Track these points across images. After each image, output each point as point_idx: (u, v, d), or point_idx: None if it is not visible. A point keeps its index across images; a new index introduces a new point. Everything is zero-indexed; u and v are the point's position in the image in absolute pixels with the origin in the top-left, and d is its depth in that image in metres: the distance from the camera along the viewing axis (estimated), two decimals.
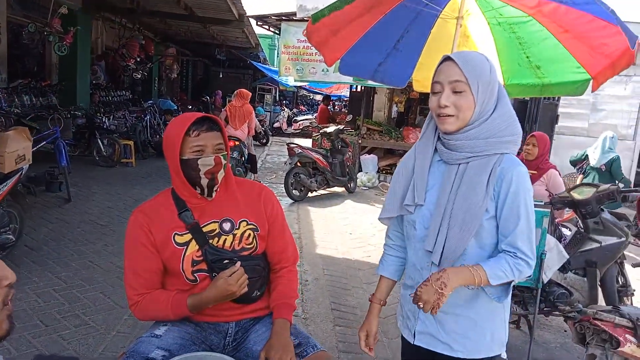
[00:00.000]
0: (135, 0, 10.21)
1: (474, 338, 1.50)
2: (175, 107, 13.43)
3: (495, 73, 1.45)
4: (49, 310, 3.23)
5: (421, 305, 1.36)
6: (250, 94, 8.38)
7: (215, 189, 1.67)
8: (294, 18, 8.89)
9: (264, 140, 14.80)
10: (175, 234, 1.65)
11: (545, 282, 3.08)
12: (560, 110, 8.48)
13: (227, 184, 1.73)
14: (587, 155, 6.18)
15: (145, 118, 10.66)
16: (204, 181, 1.63)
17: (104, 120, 9.29)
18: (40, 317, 3.12)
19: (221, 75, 17.91)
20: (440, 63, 1.47)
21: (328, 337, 3.28)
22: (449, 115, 1.42)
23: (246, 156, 8.07)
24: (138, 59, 13.28)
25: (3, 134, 4.12)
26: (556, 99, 7.63)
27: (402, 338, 1.70)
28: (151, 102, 12.91)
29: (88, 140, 8.73)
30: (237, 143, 7.59)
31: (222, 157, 1.63)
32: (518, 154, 4.66)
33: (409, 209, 1.55)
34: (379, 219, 1.68)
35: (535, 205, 3.00)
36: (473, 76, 1.40)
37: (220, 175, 1.65)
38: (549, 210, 2.99)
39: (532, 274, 1.46)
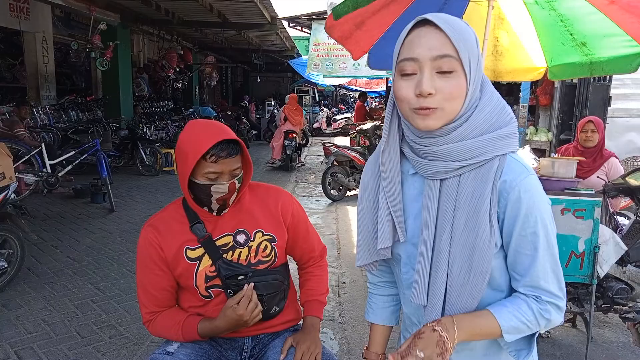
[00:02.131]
0: (170, 11, 10.41)
1: None
2: (215, 114, 13.65)
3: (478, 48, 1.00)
4: (86, 321, 3.27)
5: None
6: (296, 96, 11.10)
7: (225, 211, 1.57)
8: (325, 16, 8.78)
9: (303, 142, 14.76)
10: (187, 248, 1.56)
11: (601, 277, 2.82)
12: (612, 91, 7.91)
13: (241, 195, 1.61)
14: None
15: None
16: (214, 206, 1.52)
17: (145, 130, 9.53)
18: (77, 329, 3.15)
19: (259, 80, 18.04)
20: (412, 29, 0.99)
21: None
22: (431, 108, 0.96)
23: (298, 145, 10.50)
24: (177, 69, 13.62)
25: None
26: (607, 79, 7.11)
27: None
28: (192, 110, 13.18)
29: (131, 151, 8.98)
30: (294, 135, 10.01)
31: (236, 182, 1.50)
32: (569, 142, 4.33)
33: (384, 253, 1.13)
34: (357, 266, 1.24)
35: (585, 195, 2.76)
36: (464, 48, 0.96)
37: (232, 199, 1.54)
38: (600, 199, 2.72)
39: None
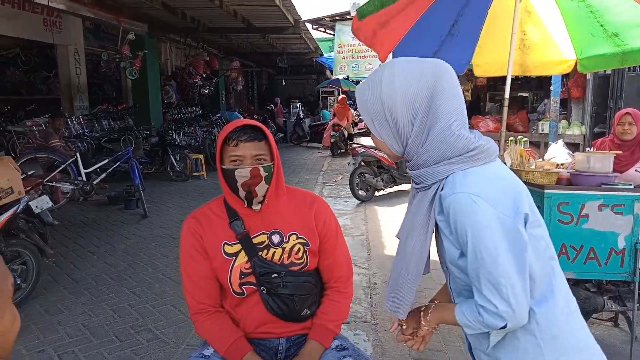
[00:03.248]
0: (195, 19, 10.59)
1: None
2: (242, 118, 13.79)
3: (397, 95, 1.16)
4: (123, 325, 3.35)
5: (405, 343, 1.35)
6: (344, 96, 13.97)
7: (256, 201, 1.59)
8: (348, 17, 8.79)
9: (354, 132, 14.72)
10: (225, 243, 1.61)
11: None
12: None
13: (278, 194, 1.64)
14: None
15: (214, 131, 11.03)
16: (242, 193, 1.56)
17: (175, 136, 9.71)
18: (115, 333, 3.24)
19: (284, 83, 18.15)
20: None
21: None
22: None
23: (346, 135, 12.90)
24: (204, 75, 13.83)
25: None
26: None
27: None
28: (219, 115, 13.36)
29: (162, 158, 9.17)
30: (339, 127, 12.66)
31: (261, 169, 1.53)
32: (604, 135, 4.20)
33: None
34: (397, 236, 1.45)
35: (623, 189, 2.67)
36: (364, 111, 1.24)
37: (261, 189, 1.56)
38: None
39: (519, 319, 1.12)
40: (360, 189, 7.37)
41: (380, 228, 5.91)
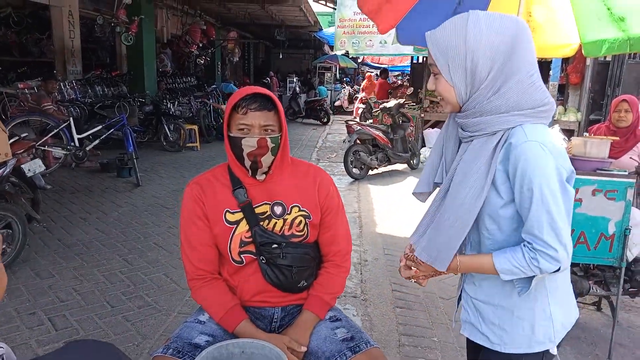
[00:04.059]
0: None
1: (510, 330, 1.34)
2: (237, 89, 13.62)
3: (482, 41, 1.19)
4: (115, 291, 3.36)
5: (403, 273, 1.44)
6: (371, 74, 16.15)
7: (260, 172, 1.59)
8: None
9: (325, 120, 14.71)
10: (227, 211, 1.61)
11: (630, 260, 2.78)
12: None
13: (282, 166, 1.64)
14: None
15: (209, 102, 10.91)
16: (247, 162, 1.56)
17: (169, 106, 9.60)
18: (107, 298, 3.25)
19: (281, 56, 17.93)
20: None
21: (388, 319, 3.16)
22: (440, 98, 1.33)
23: (372, 107, 12.41)
24: (201, 45, 13.60)
25: None
26: None
27: None
28: (214, 86, 13.20)
29: (155, 127, 9.07)
30: (366, 100, 14.08)
31: (268, 140, 1.52)
32: (600, 122, 4.21)
33: (439, 186, 1.44)
34: (413, 193, 1.55)
35: (618, 175, 2.69)
36: (439, 55, 1.25)
37: (266, 159, 1.56)
38: (634, 180, 2.65)
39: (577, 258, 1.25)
40: (354, 167, 7.37)
41: (372, 206, 5.94)
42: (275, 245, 1.60)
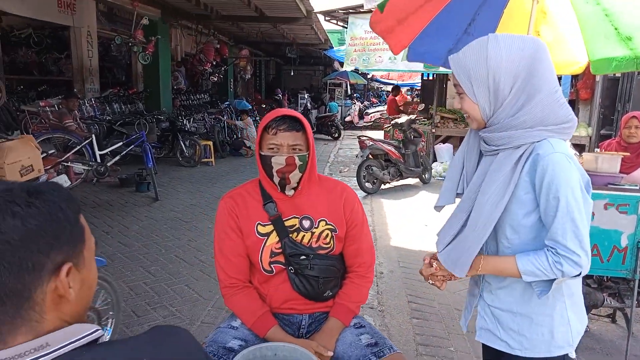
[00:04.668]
0: (209, 7, 10.64)
1: (530, 336, 1.41)
2: (250, 107, 13.87)
3: (502, 60, 1.28)
4: (140, 301, 3.48)
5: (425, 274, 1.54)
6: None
7: (289, 188, 1.71)
8: (361, 10, 8.84)
9: (336, 135, 14.86)
10: (258, 223, 1.72)
11: None
12: None
13: (310, 182, 1.75)
14: None
15: (223, 119, 11.13)
16: (276, 179, 1.68)
17: (185, 123, 9.82)
18: (132, 308, 3.37)
19: (292, 73, 18.19)
20: None
21: (405, 330, 3.24)
22: (467, 116, 1.42)
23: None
24: (214, 63, 13.89)
25: (3, 143, 3.85)
26: None
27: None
28: (227, 103, 13.44)
29: (171, 143, 9.28)
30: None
31: (296, 158, 1.64)
32: (610, 138, 4.28)
33: (460, 197, 1.53)
34: (435, 207, 1.64)
35: (629, 190, 2.77)
36: (463, 76, 1.35)
37: (294, 176, 1.67)
38: None
39: (587, 270, 1.28)
40: (367, 182, 7.47)
41: (386, 220, 6.03)
42: (303, 257, 1.70)
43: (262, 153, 1.67)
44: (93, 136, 6.75)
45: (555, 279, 1.31)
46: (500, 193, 1.32)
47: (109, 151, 6.91)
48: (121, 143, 6.98)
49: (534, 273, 1.30)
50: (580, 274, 1.28)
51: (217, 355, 1.62)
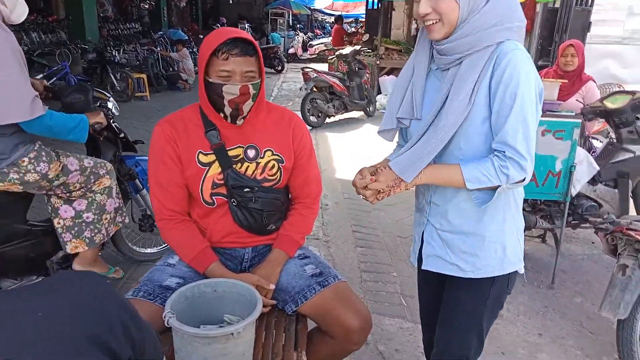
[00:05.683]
0: None
1: (483, 255, 1.38)
2: (186, 37, 13.05)
3: None
4: None
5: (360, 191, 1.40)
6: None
7: (240, 118, 1.56)
8: None
9: (279, 68, 14.42)
10: (200, 152, 1.58)
11: (573, 195, 2.99)
12: (592, 17, 7.87)
13: (258, 110, 1.61)
14: None
15: (157, 50, 10.41)
16: (227, 110, 1.53)
17: (114, 54, 9.10)
18: None
19: (231, 2, 17.19)
20: None
21: (349, 258, 3.28)
22: (433, 23, 1.26)
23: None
24: None
25: None
26: (590, 3, 7.05)
27: (418, 268, 1.61)
28: (161, 33, 12.57)
29: (100, 76, 8.59)
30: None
31: (250, 87, 1.50)
32: (549, 67, 4.36)
33: (403, 122, 1.44)
34: (378, 132, 1.54)
35: (565, 116, 2.84)
36: None
37: (247, 106, 1.53)
38: (580, 121, 2.81)
39: (528, 178, 1.24)
40: (311, 115, 7.35)
41: (330, 153, 6.00)
42: (247, 189, 1.60)
43: (211, 80, 1.49)
44: None
45: (498, 188, 1.27)
46: (465, 100, 1.25)
47: None
48: (41, 75, 6.38)
49: (478, 179, 1.25)
50: (523, 180, 1.25)
51: (153, 295, 1.53)
